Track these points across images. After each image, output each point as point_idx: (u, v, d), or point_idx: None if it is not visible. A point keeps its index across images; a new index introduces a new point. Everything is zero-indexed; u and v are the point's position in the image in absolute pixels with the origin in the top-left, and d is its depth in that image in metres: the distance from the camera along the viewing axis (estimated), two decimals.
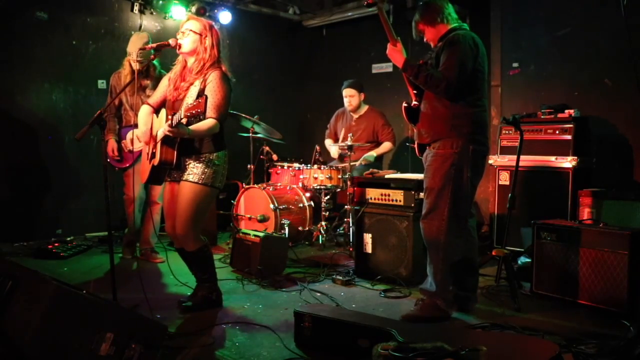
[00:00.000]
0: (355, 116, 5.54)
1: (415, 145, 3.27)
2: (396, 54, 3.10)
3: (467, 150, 3.01)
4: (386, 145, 5.44)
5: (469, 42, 3.02)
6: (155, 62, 4.30)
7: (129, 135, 4.32)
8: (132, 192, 4.44)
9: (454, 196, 3.02)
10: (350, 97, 5.45)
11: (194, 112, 2.76)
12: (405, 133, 6.09)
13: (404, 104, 3.24)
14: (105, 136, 4.32)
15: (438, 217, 3.05)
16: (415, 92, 3.23)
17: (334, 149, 5.53)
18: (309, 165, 5.09)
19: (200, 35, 3.11)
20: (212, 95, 2.98)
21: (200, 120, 2.97)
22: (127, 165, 4.41)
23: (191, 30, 3.11)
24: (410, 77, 3.09)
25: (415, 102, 3.22)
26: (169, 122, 2.88)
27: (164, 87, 3.26)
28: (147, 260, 4.46)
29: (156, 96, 3.29)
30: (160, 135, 3.02)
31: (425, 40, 3.26)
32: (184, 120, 2.84)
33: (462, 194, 3.04)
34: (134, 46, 4.30)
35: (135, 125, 4.37)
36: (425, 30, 3.20)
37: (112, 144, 4.36)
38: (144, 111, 3.26)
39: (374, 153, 5.33)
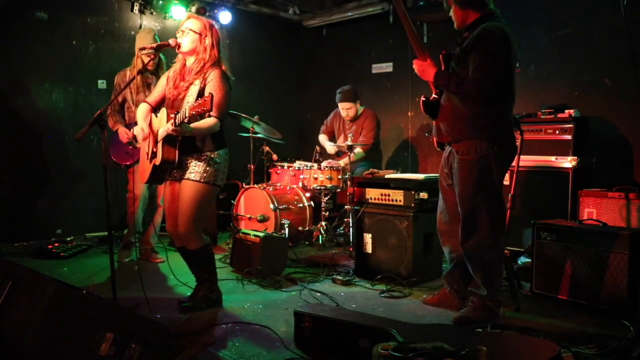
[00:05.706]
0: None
1: (434, 140, 3.22)
2: (426, 68, 3.00)
3: (492, 151, 2.92)
4: (356, 151, 5.28)
5: (499, 39, 2.84)
6: (164, 58, 4.31)
7: (135, 131, 4.33)
8: (136, 190, 4.44)
9: (489, 198, 2.96)
10: (347, 109, 5.42)
11: (200, 110, 2.71)
12: (405, 133, 6.09)
13: (422, 98, 3.14)
14: (113, 127, 4.33)
15: (481, 223, 2.97)
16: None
17: (329, 145, 5.53)
18: (309, 165, 5.09)
19: (200, 34, 3.09)
20: (213, 94, 2.96)
21: (204, 118, 2.96)
22: (133, 161, 4.40)
23: (191, 29, 3.08)
24: (442, 88, 3.00)
25: (435, 96, 3.11)
26: (172, 120, 2.87)
27: (162, 85, 3.25)
28: (147, 260, 4.47)
29: (154, 95, 3.27)
30: (162, 134, 3.01)
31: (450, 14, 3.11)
32: (186, 119, 2.84)
33: (496, 194, 2.99)
34: (143, 42, 4.27)
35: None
36: (452, 6, 3.03)
37: (123, 130, 4.34)
38: (142, 109, 3.23)
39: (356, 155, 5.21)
